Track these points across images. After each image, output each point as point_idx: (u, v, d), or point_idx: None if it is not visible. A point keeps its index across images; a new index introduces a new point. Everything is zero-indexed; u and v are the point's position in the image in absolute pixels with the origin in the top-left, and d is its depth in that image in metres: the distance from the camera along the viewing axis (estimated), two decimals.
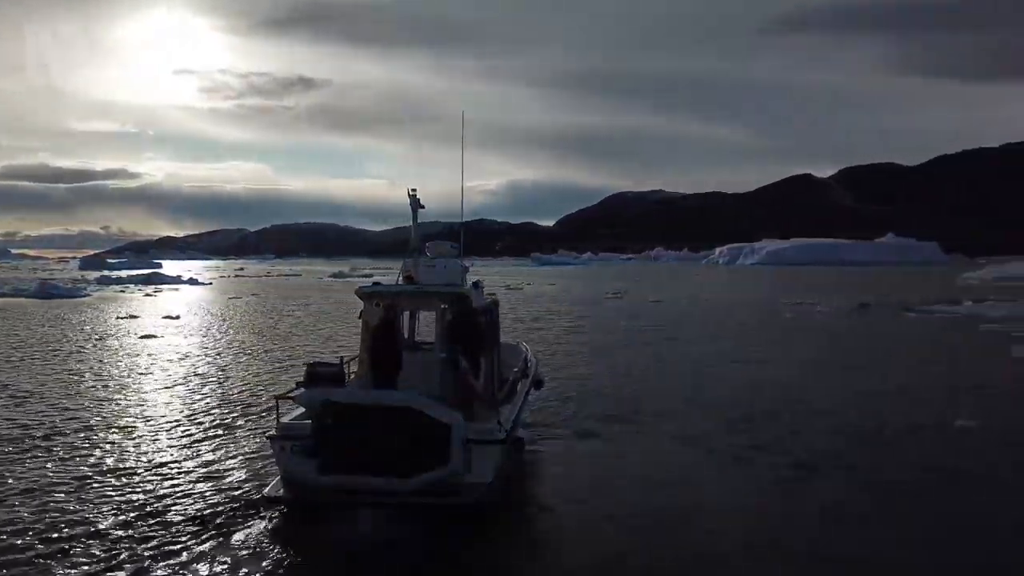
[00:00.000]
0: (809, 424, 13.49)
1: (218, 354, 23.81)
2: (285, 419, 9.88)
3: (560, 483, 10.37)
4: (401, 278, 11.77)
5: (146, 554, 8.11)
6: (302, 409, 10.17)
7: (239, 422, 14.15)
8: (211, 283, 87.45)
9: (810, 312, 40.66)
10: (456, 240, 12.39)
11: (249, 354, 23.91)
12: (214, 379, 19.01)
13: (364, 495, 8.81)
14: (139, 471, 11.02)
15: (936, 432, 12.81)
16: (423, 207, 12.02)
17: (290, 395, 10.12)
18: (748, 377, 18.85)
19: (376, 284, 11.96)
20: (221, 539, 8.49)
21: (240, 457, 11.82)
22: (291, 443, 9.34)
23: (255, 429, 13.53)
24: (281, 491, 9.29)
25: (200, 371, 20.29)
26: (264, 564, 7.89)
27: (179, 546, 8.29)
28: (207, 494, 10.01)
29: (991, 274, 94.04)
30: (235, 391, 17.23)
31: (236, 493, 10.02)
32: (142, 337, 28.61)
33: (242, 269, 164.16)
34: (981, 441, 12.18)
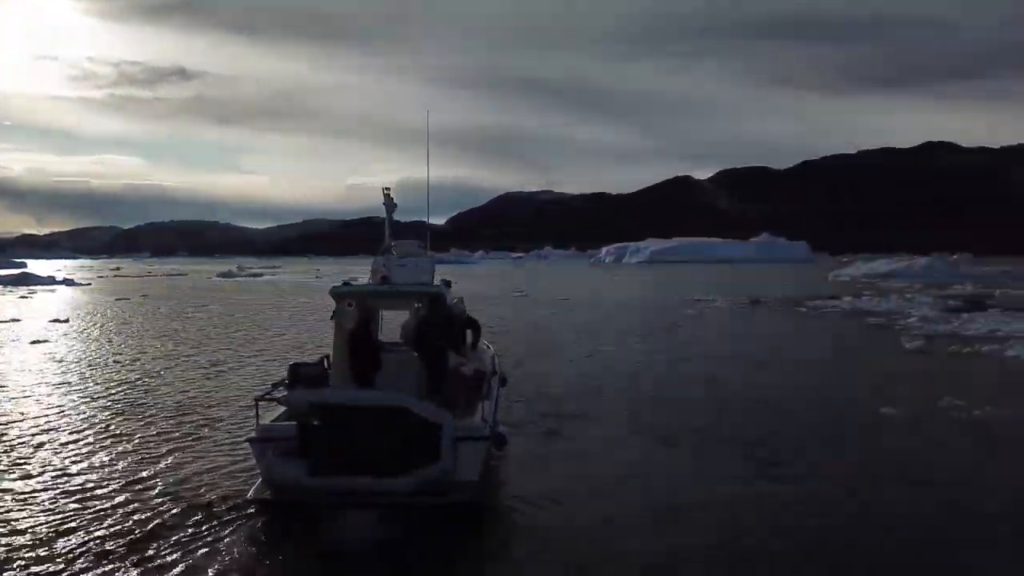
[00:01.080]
0: (759, 416, 14.33)
1: (134, 360, 22.63)
2: (262, 421, 9.73)
3: (536, 479, 10.56)
4: (376, 278, 11.79)
5: (134, 558, 7.95)
6: (279, 411, 10.07)
7: (193, 428, 13.63)
8: (89, 284, 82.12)
9: (711, 308, 42.74)
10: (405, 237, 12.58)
11: (166, 358, 22.86)
12: (142, 385, 18.10)
13: (355, 496, 8.78)
14: (109, 480, 10.59)
15: (872, 420, 13.93)
16: (396, 205, 12.09)
17: (275, 397, 9.96)
18: (687, 372, 19.69)
19: (347, 284, 11.88)
20: (209, 542, 8.33)
21: (207, 461, 11.47)
22: (274, 445, 9.20)
23: (216, 432, 13.18)
24: (268, 493, 9.13)
25: (119, 377, 19.26)
26: (253, 566, 7.81)
27: (166, 551, 8.11)
28: (187, 499, 9.72)
29: (859, 271, 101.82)
30: (168, 397, 16.51)
31: (216, 497, 9.77)
32: (32, 343, 26.71)
33: (118, 269, 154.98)
34: (909, 427, 13.38)
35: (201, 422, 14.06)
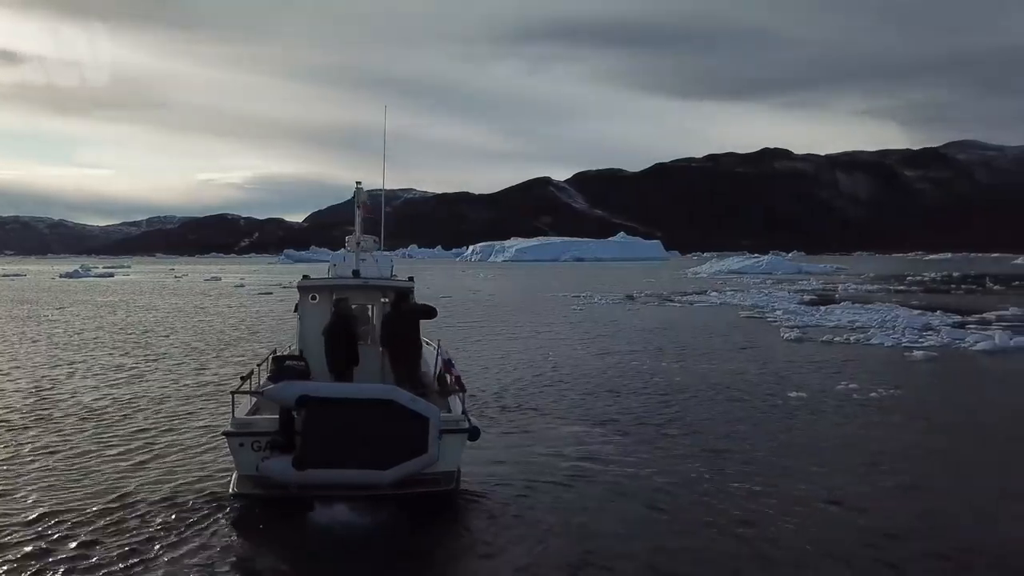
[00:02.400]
0: (687, 402, 15.19)
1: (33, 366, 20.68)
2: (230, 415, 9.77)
3: (502, 467, 10.81)
4: (339, 272, 11.78)
5: (115, 554, 7.79)
6: (248, 404, 10.00)
7: (157, 424, 13.39)
8: None
9: (594, 303, 44.35)
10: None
11: (62, 364, 21.07)
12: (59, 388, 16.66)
13: (343, 488, 8.86)
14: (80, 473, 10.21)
15: (784, 402, 15.12)
16: (368, 202, 12.06)
17: (255, 390, 9.79)
18: (608, 364, 20.41)
19: (305, 277, 11.94)
20: (192, 537, 8.24)
21: (180, 456, 11.40)
22: (253, 439, 9.27)
23: (183, 427, 13.10)
24: (251, 487, 9.08)
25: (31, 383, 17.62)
26: (240, 560, 7.76)
27: (151, 545, 7.99)
28: (163, 493, 9.65)
29: (712, 268, 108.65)
30: (95, 394, 15.33)
31: (193, 492, 9.71)
32: None
33: None
34: (817, 408, 14.65)
35: (161, 419, 13.83)
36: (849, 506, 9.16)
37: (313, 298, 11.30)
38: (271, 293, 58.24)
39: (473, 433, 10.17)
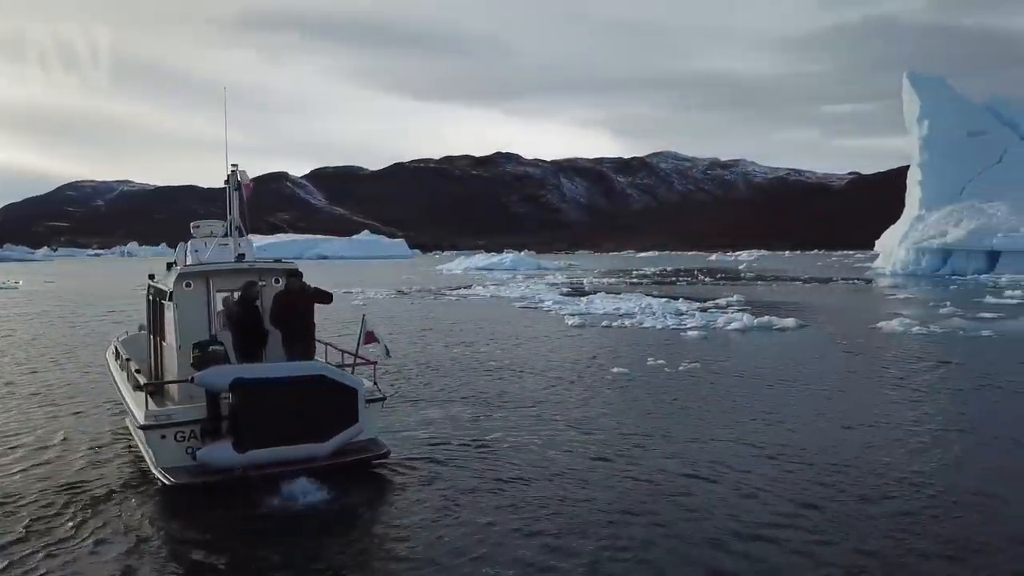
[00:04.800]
0: (520, 383, 16.70)
1: None
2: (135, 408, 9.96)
3: (414, 434, 11.75)
4: (195, 258, 11.56)
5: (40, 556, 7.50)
6: (142, 396, 9.93)
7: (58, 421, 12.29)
8: None
9: (373, 298, 44.53)
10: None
11: None
12: None
13: (286, 464, 9.29)
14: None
15: (612, 377, 17.17)
16: (251, 183, 11.80)
17: (183, 379, 9.75)
18: (453, 353, 21.20)
19: (170, 265, 11.96)
20: (128, 533, 8.19)
21: (92, 453, 11.19)
22: (176, 429, 9.43)
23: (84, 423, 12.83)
24: (189, 477, 9.16)
25: None
26: (184, 549, 7.85)
27: (87, 548, 7.80)
28: (94, 491, 9.44)
29: (461, 265, 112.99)
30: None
31: (118, 488, 9.57)
32: None
33: None
34: (646, 381, 16.86)
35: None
36: (697, 457, 11.14)
37: (188, 285, 11.06)
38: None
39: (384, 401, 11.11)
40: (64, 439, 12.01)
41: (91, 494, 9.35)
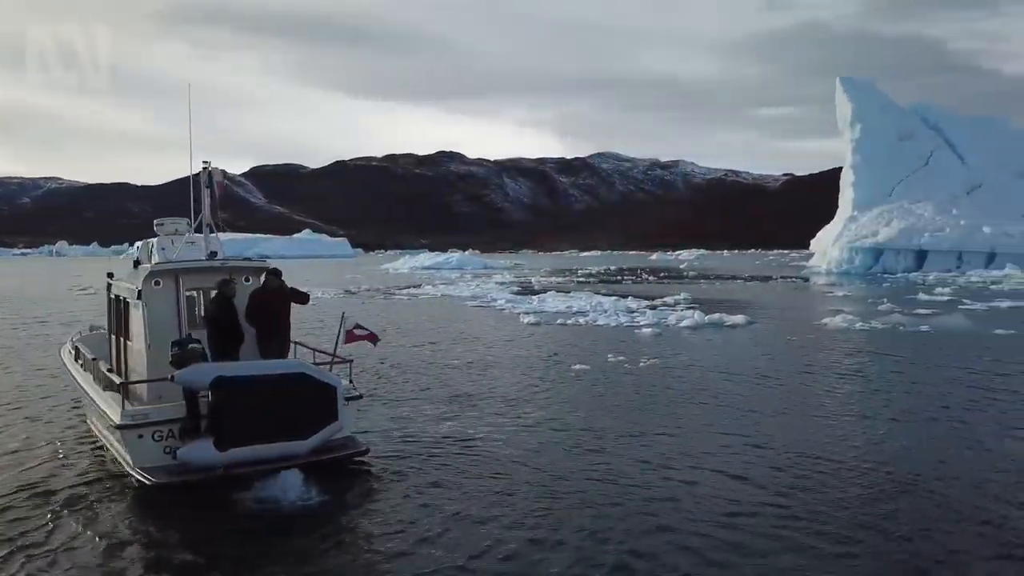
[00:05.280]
0: (486, 379, 16.89)
1: None
2: (108, 408, 9.83)
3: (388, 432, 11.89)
4: (180, 256, 11.39)
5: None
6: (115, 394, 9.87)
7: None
8: None
9: (324, 298, 43.96)
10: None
11: None
12: None
13: (268, 462, 9.32)
14: None
15: (574, 373, 17.49)
16: (224, 181, 11.64)
17: (163, 377, 9.62)
18: (426, 353, 21.10)
19: (137, 263, 11.73)
20: (107, 534, 8.12)
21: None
22: (154, 428, 9.36)
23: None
24: (169, 476, 9.10)
25: None
26: (163, 550, 7.83)
27: (78, 550, 7.74)
28: (67, 495, 9.24)
29: (407, 265, 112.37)
30: None
31: (99, 488, 9.51)
32: None
33: None
34: (606, 376, 17.23)
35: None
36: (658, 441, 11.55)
37: (157, 284, 10.91)
38: None
39: (358, 399, 11.20)
40: (26, 444, 11.69)
41: (65, 498, 9.15)
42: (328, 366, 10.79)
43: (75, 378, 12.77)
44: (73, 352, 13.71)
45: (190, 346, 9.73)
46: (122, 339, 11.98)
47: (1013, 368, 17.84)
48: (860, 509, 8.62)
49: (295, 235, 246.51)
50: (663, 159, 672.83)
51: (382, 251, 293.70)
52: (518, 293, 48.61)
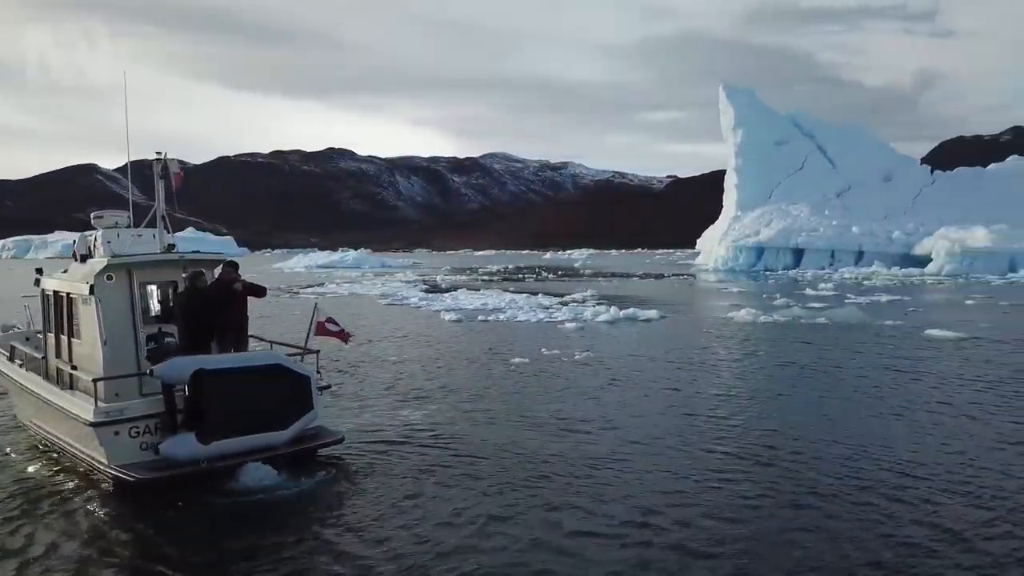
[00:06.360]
0: (449, 372, 17.22)
1: None
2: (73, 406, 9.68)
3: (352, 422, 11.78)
4: (130, 250, 11.11)
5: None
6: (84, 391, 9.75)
7: None
8: None
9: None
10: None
11: None
12: None
13: (250, 453, 9.41)
14: None
15: (511, 367, 18.03)
16: (181, 171, 11.40)
17: (143, 372, 9.58)
18: (361, 348, 20.92)
19: (84, 258, 11.27)
20: (94, 532, 8.08)
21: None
22: (131, 424, 9.21)
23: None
24: (150, 471, 8.99)
25: None
26: (161, 545, 7.79)
27: (64, 553, 7.61)
28: (41, 499, 8.98)
29: (301, 263, 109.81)
30: None
31: (74, 488, 9.34)
32: None
33: None
34: (544, 369, 17.85)
35: None
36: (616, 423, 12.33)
37: (109, 278, 10.61)
38: None
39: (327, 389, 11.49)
40: None
41: (39, 502, 8.88)
42: (299, 357, 10.83)
43: (14, 379, 12.19)
44: (8, 352, 13.03)
45: (166, 340, 9.61)
46: (66, 337, 11.50)
47: (910, 351, 19.81)
48: (787, 487, 9.58)
49: (177, 234, 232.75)
50: (553, 160, 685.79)
51: (269, 250, 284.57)
52: (428, 291, 48.75)
